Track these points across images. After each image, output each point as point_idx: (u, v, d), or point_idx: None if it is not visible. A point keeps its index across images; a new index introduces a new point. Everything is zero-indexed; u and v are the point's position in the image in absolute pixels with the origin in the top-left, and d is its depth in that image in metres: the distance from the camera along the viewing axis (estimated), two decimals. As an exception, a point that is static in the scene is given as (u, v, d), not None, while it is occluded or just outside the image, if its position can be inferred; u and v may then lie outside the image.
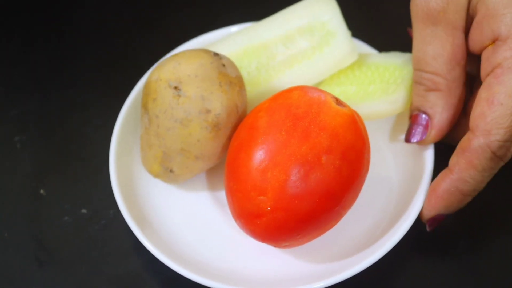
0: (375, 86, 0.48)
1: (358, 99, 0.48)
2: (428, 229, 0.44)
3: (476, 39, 0.42)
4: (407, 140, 0.45)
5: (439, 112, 0.44)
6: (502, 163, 0.41)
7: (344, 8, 0.49)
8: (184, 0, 0.64)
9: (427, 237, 0.46)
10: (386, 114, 0.47)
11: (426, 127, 0.44)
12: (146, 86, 0.45)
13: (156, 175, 0.47)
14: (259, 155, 0.40)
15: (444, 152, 0.45)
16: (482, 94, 0.40)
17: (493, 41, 0.41)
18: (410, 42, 0.49)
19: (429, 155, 0.46)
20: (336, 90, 0.49)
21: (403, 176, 0.47)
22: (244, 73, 0.49)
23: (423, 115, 0.44)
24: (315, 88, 0.42)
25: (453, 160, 0.42)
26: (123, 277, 0.46)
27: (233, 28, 0.54)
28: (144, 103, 0.45)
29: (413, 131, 0.45)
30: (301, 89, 0.42)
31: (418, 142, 0.45)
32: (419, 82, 0.44)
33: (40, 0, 0.64)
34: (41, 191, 0.51)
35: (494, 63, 0.40)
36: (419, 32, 0.43)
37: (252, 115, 0.42)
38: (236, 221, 0.42)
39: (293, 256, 0.45)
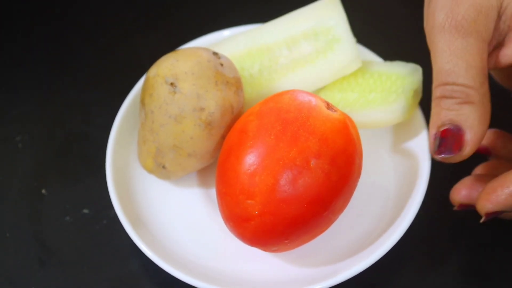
0: (375, 94, 0.47)
1: (358, 107, 0.47)
2: (483, 220, 0.42)
3: None
4: (438, 153, 0.42)
5: (476, 125, 0.40)
6: None
7: (350, 15, 0.49)
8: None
9: (419, 246, 0.46)
10: (384, 123, 0.46)
11: (459, 141, 0.41)
12: (145, 81, 0.46)
13: (149, 171, 0.47)
14: (248, 159, 0.39)
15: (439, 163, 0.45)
16: None
17: None
18: (415, 51, 0.49)
19: (425, 165, 0.45)
20: (337, 96, 0.48)
21: (401, 184, 0.47)
22: (246, 75, 0.49)
23: (454, 129, 0.41)
24: (306, 93, 0.42)
25: None
26: (125, 277, 0.46)
27: (238, 29, 0.53)
28: (142, 98, 0.46)
29: (445, 145, 0.41)
30: (292, 94, 0.41)
31: (449, 159, 0.42)
32: (449, 96, 0.41)
33: (40, 0, 0.64)
34: (43, 191, 0.51)
35: None
36: (447, 45, 0.41)
37: (243, 118, 0.42)
38: (225, 224, 0.42)
39: (290, 259, 0.45)
